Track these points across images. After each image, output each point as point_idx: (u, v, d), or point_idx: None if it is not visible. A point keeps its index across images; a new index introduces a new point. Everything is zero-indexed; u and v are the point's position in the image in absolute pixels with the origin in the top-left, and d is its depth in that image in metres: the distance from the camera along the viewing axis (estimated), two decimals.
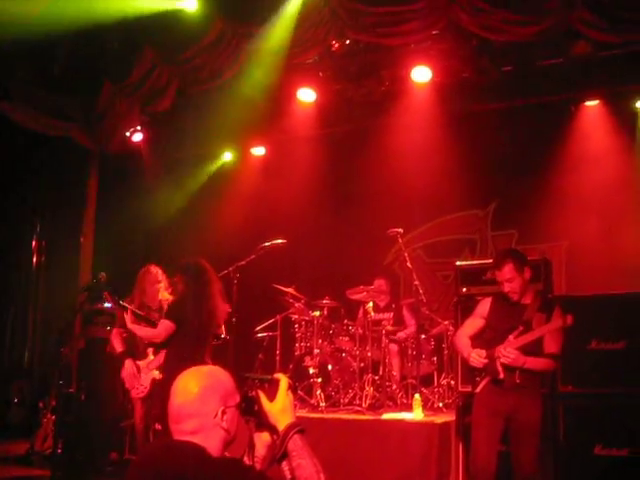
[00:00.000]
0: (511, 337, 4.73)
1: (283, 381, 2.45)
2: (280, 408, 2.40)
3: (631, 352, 5.67)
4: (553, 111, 8.98)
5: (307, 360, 7.92)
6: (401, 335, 7.99)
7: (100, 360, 8.14)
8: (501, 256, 4.95)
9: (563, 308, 4.79)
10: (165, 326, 5.72)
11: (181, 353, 5.59)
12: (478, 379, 4.95)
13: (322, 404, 7.50)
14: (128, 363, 6.45)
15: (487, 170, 9.61)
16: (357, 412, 7.18)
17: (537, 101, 8.92)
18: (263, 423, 2.44)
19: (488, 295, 5.26)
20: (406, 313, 8.22)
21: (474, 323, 5.10)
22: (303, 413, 7.23)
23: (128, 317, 5.99)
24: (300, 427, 2.38)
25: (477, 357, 4.85)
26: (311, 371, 7.80)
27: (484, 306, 5.07)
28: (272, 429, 2.42)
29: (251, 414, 2.46)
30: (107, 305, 8.45)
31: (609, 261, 8.21)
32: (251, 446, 2.53)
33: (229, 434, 2.34)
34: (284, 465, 2.33)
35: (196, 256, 6.18)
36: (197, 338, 5.73)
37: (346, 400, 7.62)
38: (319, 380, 7.76)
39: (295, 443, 2.32)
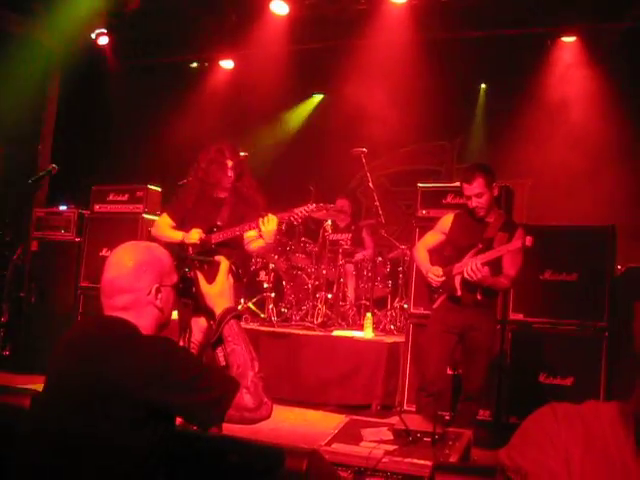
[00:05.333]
0: (470, 254, 4.70)
1: (224, 264, 2.34)
2: (218, 291, 2.30)
3: (583, 285, 5.70)
4: (529, 44, 8.84)
5: (261, 275, 7.88)
6: (358, 257, 7.96)
7: (52, 263, 8.02)
8: (472, 170, 4.80)
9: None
10: None
11: None
12: (436, 295, 4.93)
13: (274, 319, 7.51)
14: None
15: (458, 101, 9.51)
16: (308, 328, 7.20)
17: (513, 32, 8.75)
18: (200, 306, 2.34)
19: (448, 212, 5.22)
20: (365, 235, 8.19)
21: (434, 237, 5.06)
22: (255, 326, 7.23)
23: None
24: (237, 312, 2.29)
25: (434, 276, 4.83)
26: (265, 286, 7.78)
27: (446, 222, 5.01)
28: (209, 313, 2.32)
29: (189, 296, 2.37)
30: (63, 207, 8.29)
31: (573, 201, 8.20)
32: (187, 330, 2.44)
33: (163, 314, 2.24)
34: (219, 351, 2.25)
35: None
36: None
37: (298, 317, 7.64)
38: (272, 295, 7.75)
39: (231, 328, 2.24)
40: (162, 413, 2.04)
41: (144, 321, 2.19)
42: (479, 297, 4.73)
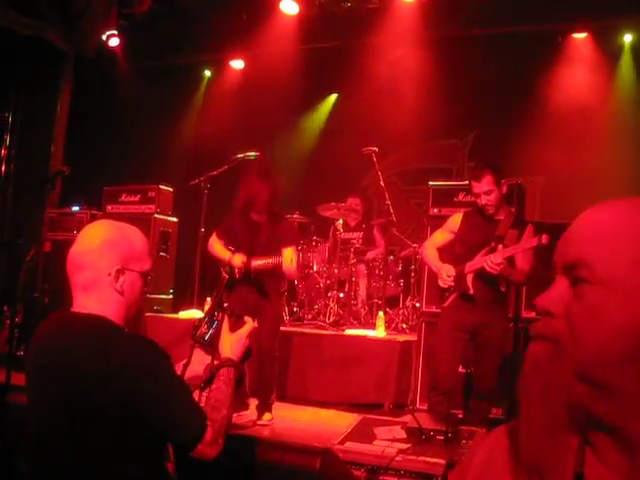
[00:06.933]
0: (482, 253, 4.70)
1: (248, 325, 2.38)
2: (234, 340, 2.31)
3: None
4: (540, 41, 8.79)
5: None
6: (370, 255, 7.94)
7: (65, 264, 8.04)
8: (480, 167, 4.81)
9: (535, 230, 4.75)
10: None
11: None
12: (447, 294, 4.93)
13: (286, 318, 7.52)
14: None
15: (468, 99, 9.48)
16: (320, 327, 7.20)
17: (524, 29, 8.72)
18: (212, 343, 2.36)
19: (459, 210, 5.23)
20: (376, 233, 8.16)
21: (443, 236, 5.07)
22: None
23: None
24: (239, 368, 2.30)
25: (445, 277, 4.83)
26: None
27: (455, 220, 5.02)
28: (214, 352, 2.33)
29: (210, 339, 2.38)
30: (75, 208, 8.34)
31: (585, 199, 8.13)
32: (187, 360, 2.44)
33: (124, 298, 2.14)
34: (205, 392, 2.24)
35: None
36: None
37: (310, 316, 7.65)
38: (284, 294, 7.76)
39: (228, 373, 2.22)
40: (139, 420, 1.99)
41: (109, 308, 2.11)
42: (503, 289, 4.75)
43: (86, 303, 2.11)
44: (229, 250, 5.46)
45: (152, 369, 2.01)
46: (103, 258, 2.11)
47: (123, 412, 1.95)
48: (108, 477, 1.98)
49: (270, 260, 5.29)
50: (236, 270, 5.34)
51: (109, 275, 2.11)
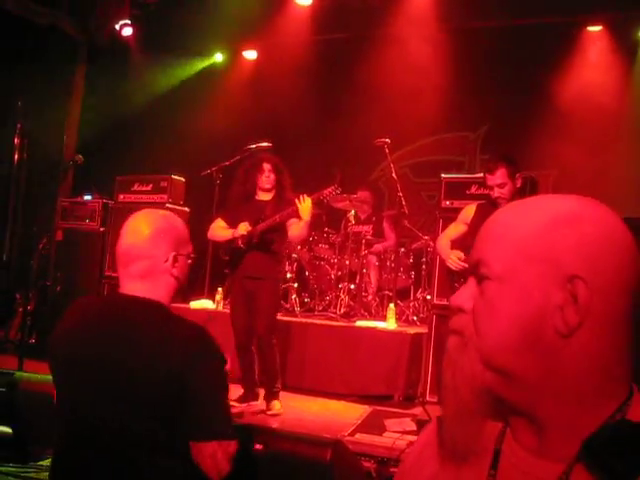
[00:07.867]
0: None
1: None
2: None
3: None
4: (554, 34, 8.73)
5: (285, 265, 7.88)
6: (378, 247, 7.91)
7: (77, 252, 8.09)
8: (494, 160, 4.80)
9: None
10: None
11: None
12: (457, 285, 4.91)
13: (297, 309, 7.53)
14: None
15: (481, 91, 9.43)
16: (331, 319, 7.20)
17: (538, 21, 8.67)
18: None
19: (472, 203, 5.21)
20: (386, 225, 8.12)
21: (457, 228, 5.06)
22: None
23: None
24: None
25: (455, 260, 4.82)
26: (288, 276, 7.79)
27: (468, 212, 5.01)
28: None
29: None
30: (87, 197, 8.35)
31: (598, 193, 8.06)
32: None
33: (179, 282, 2.23)
34: None
35: None
36: None
37: (321, 307, 7.65)
38: (295, 285, 7.76)
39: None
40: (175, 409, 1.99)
41: (161, 291, 2.17)
42: None
43: (140, 289, 2.16)
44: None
45: (205, 365, 2.04)
46: (158, 246, 2.18)
47: (164, 397, 1.97)
48: (138, 467, 2.00)
49: (277, 216, 5.31)
50: (239, 240, 5.35)
51: (166, 261, 2.18)
